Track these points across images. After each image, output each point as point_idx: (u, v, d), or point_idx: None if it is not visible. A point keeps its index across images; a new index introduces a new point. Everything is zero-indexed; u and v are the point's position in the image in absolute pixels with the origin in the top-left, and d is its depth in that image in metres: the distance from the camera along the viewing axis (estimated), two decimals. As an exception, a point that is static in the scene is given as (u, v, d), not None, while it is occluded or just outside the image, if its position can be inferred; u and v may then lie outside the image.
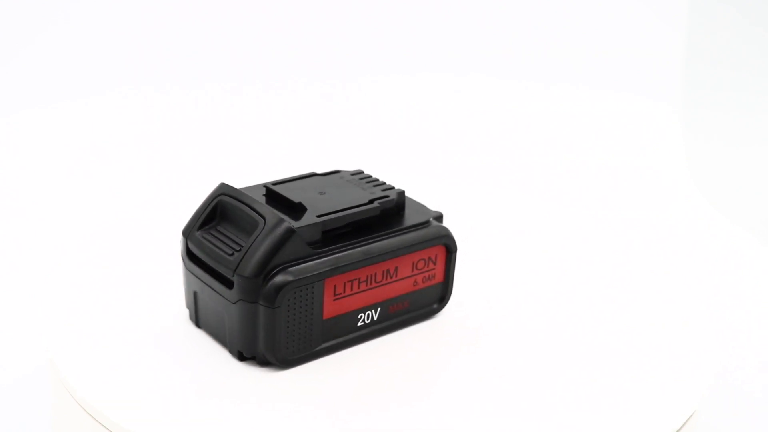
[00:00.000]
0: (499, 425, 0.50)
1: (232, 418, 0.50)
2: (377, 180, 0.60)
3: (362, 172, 0.61)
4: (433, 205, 0.67)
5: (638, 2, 1.43)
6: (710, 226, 1.16)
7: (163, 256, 0.66)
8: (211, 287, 0.53)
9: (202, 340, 0.56)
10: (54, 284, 0.63)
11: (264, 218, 0.52)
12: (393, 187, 0.58)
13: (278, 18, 1.37)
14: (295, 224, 0.52)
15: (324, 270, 0.53)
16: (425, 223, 0.57)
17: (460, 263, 0.66)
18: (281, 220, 0.52)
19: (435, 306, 0.60)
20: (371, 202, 0.56)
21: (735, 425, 0.77)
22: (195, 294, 0.56)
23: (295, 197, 0.55)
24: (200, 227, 0.55)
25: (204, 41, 1.35)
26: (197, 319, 0.57)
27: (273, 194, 0.56)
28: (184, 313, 0.59)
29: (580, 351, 0.57)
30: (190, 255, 0.55)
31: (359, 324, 0.57)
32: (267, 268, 0.51)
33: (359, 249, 0.54)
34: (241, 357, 0.54)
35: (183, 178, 1.17)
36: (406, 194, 0.61)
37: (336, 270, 0.53)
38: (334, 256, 0.53)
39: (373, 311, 0.57)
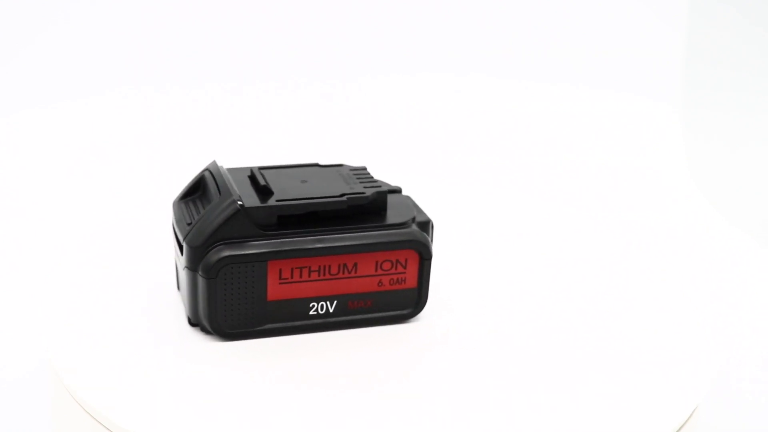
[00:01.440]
0: (497, 425, 0.50)
1: (230, 417, 0.50)
2: (371, 178, 0.59)
3: (364, 169, 0.61)
4: (432, 206, 0.66)
5: (638, 2, 1.43)
6: (710, 226, 1.16)
7: (163, 256, 0.66)
8: (177, 253, 0.57)
9: (202, 340, 0.56)
10: (53, 284, 0.63)
11: (220, 194, 0.55)
12: (379, 186, 0.58)
13: (279, 19, 1.37)
14: (249, 204, 0.54)
15: (266, 251, 0.54)
16: (399, 225, 0.57)
17: (456, 263, 0.66)
18: (232, 198, 0.54)
19: (406, 311, 0.59)
20: (341, 195, 0.56)
21: (735, 425, 0.77)
22: (176, 260, 0.59)
23: (271, 181, 0.57)
24: (181, 198, 0.59)
25: (204, 41, 1.35)
26: (178, 284, 0.60)
27: (253, 176, 0.58)
28: (184, 313, 0.59)
29: (580, 350, 0.57)
30: (172, 223, 0.58)
31: (311, 313, 0.57)
32: (209, 240, 0.54)
33: (310, 238, 0.55)
34: (190, 322, 0.57)
35: (183, 178, 1.17)
36: (411, 196, 0.61)
37: (280, 254, 0.55)
38: (280, 240, 0.55)
39: (328, 303, 0.57)
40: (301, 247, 0.55)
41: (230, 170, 0.59)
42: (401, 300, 0.58)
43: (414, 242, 0.56)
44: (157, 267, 0.65)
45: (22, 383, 0.76)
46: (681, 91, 1.41)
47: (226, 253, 0.54)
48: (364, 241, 0.56)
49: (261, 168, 0.60)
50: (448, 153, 1.28)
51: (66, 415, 0.54)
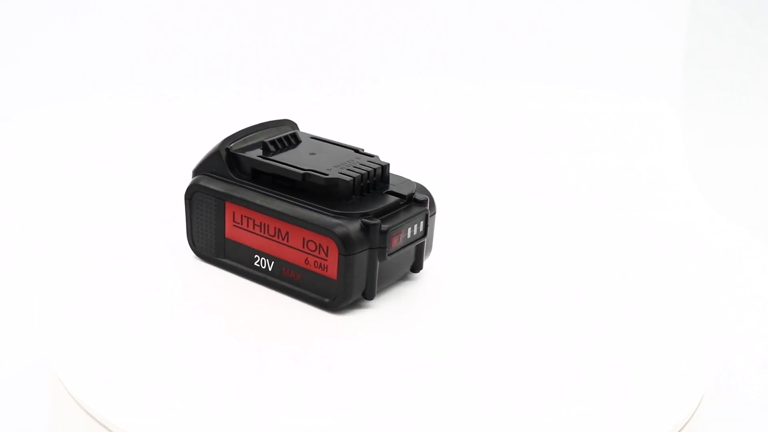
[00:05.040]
0: (495, 423, 0.50)
1: (229, 415, 0.49)
2: (367, 170, 0.60)
3: (381, 165, 0.61)
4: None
5: (638, 2, 1.43)
6: (710, 226, 1.16)
7: (162, 255, 0.66)
8: None
9: (201, 338, 0.56)
10: (51, 283, 0.63)
11: None
12: (351, 176, 0.59)
13: (286, 22, 1.37)
14: (238, 153, 0.62)
15: (221, 191, 0.62)
16: (336, 215, 0.57)
17: (453, 262, 0.66)
18: (220, 142, 0.63)
19: (327, 300, 0.59)
20: (305, 170, 0.60)
21: (735, 425, 0.77)
22: None
23: (297, 146, 0.64)
24: None
25: (214, 45, 1.35)
26: None
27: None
28: (184, 310, 0.59)
29: (579, 350, 0.57)
30: None
31: (255, 264, 0.62)
32: (198, 170, 0.64)
33: (260, 194, 0.60)
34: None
35: (183, 177, 1.17)
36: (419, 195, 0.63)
37: (230, 197, 0.61)
38: (237, 187, 0.61)
39: (267, 260, 0.62)
40: (244, 197, 0.61)
41: (294, 131, 0.66)
42: (324, 286, 0.59)
43: (330, 233, 0.57)
44: (156, 266, 0.65)
45: (20, 382, 0.76)
46: (681, 91, 1.41)
47: (197, 182, 0.63)
48: (290, 213, 0.58)
49: (312, 136, 0.66)
50: (447, 153, 1.28)
51: (64, 414, 0.54)
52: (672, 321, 0.62)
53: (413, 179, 0.65)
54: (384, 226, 0.58)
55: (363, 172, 0.60)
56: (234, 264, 0.63)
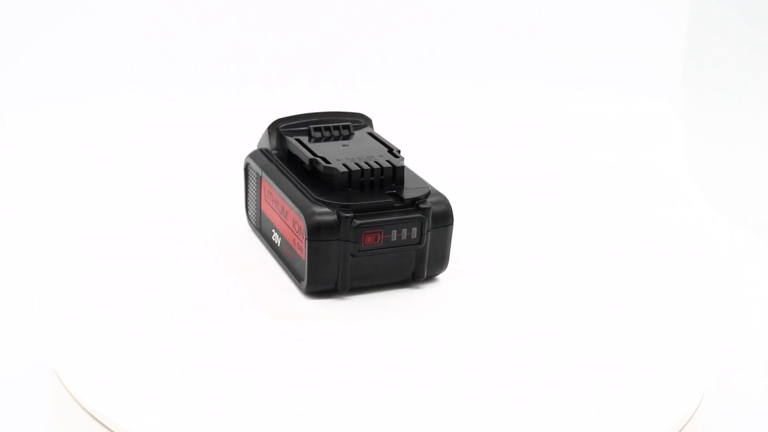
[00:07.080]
0: (494, 423, 0.50)
1: (227, 413, 0.49)
2: (374, 166, 0.60)
3: (393, 166, 0.61)
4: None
5: (638, 2, 1.43)
6: (710, 225, 1.16)
7: (161, 255, 0.66)
8: None
9: (198, 338, 0.56)
10: (51, 283, 0.63)
11: None
12: (349, 170, 0.59)
13: (289, 22, 1.37)
14: (284, 133, 0.65)
15: (260, 166, 0.65)
16: (316, 201, 0.58)
17: (454, 263, 0.66)
18: (275, 121, 0.66)
19: (300, 282, 0.60)
20: (315, 157, 0.61)
21: (735, 425, 0.77)
22: None
23: (346, 140, 0.65)
24: None
25: (215, 45, 1.35)
26: None
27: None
28: (184, 310, 0.59)
29: (579, 350, 0.57)
30: None
31: (272, 238, 0.65)
32: (259, 145, 0.67)
33: (281, 172, 0.63)
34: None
35: (183, 177, 1.17)
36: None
37: (264, 172, 0.64)
38: (270, 164, 0.64)
39: (278, 235, 0.64)
40: (270, 173, 0.63)
41: (348, 123, 0.67)
42: (299, 267, 0.60)
43: (303, 216, 0.58)
44: (156, 266, 0.65)
45: (20, 382, 0.76)
46: (681, 91, 1.41)
47: (251, 155, 0.66)
48: (287, 193, 0.60)
49: (370, 132, 0.66)
50: (448, 152, 1.28)
51: (64, 414, 0.54)
52: (672, 321, 0.62)
53: (439, 184, 0.65)
54: (357, 222, 0.57)
55: (366, 167, 0.59)
56: (263, 236, 0.66)
